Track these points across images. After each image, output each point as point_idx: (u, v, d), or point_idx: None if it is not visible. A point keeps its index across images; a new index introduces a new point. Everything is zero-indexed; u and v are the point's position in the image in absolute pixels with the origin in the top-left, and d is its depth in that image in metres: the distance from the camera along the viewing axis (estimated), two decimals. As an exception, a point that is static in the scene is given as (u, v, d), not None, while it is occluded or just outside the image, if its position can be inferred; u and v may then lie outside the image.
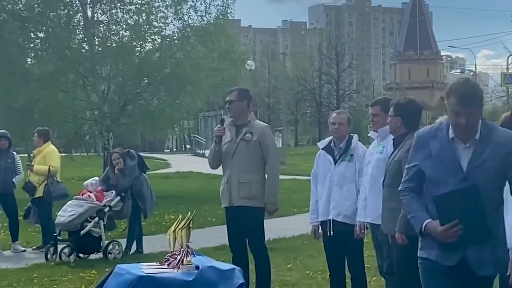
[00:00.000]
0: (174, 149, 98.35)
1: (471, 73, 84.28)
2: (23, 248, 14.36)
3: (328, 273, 8.86)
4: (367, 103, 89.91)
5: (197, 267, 6.69)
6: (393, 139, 7.31)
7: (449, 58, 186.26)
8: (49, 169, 14.09)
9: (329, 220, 8.40)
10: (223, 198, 8.99)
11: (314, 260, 12.16)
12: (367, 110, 8.11)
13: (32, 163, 14.52)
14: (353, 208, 8.16)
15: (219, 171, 9.35)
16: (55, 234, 13.11)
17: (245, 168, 8.81)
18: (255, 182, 8.83)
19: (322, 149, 8.58)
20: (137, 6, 29.00)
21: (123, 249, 13.30)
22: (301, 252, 13.34)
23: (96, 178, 13.87)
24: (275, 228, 16.71)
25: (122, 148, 14.46)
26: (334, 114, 8.61)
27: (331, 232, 8.38)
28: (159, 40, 29.61)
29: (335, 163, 8.41)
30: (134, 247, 13.68)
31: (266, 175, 8.94)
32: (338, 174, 8.35)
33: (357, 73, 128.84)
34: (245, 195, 8.78)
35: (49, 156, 14.32)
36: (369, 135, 7.97)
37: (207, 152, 8.98)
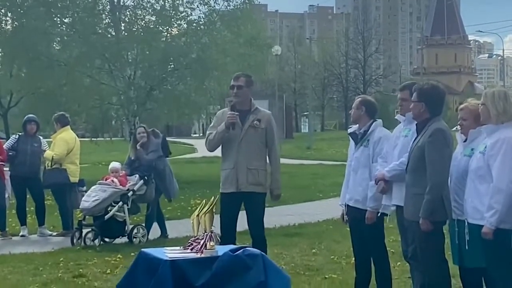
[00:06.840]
0: (201, 134, 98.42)
1: (499, 57, 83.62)
2: (49, 232, 14.44)
3: (353, 258, 8.84)
4: (394, 88, 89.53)
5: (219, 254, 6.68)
6: (416, 124, 7.24)
7: (476, 43, 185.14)
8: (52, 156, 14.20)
9: (344, 204, 8.49)
10: (227, 183, 9.10)
11: (339, 245, 12.13)
12: (394, 95, 8.04)
13: (45, 148, 14.61)
14: (365, 194, 8.13)
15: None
16: (80, 219, 13.18)
17: (253, 155, 8.94)
18: (261, 169, 8.99)
19: (349, 134, 8.57)
20: (163, -9, 29.00)
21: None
22: (326, 237, 13.31)
23: (118, 163, 13.86)
24: (300, 213, 16.71)
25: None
26: None
27: (346, 217, 8.47)
28: (185, 25, 29.57)
29: (355, 148, 8.41)
30: (159, 232, 13.70)
31: (269, 162, 9.07)
32: (355, 159, 8.35)
33: (384, 58, 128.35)
34: (253, 181, 8.92)
35: (56, 143, 14.40)
36: (396, 117, 7.92)
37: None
